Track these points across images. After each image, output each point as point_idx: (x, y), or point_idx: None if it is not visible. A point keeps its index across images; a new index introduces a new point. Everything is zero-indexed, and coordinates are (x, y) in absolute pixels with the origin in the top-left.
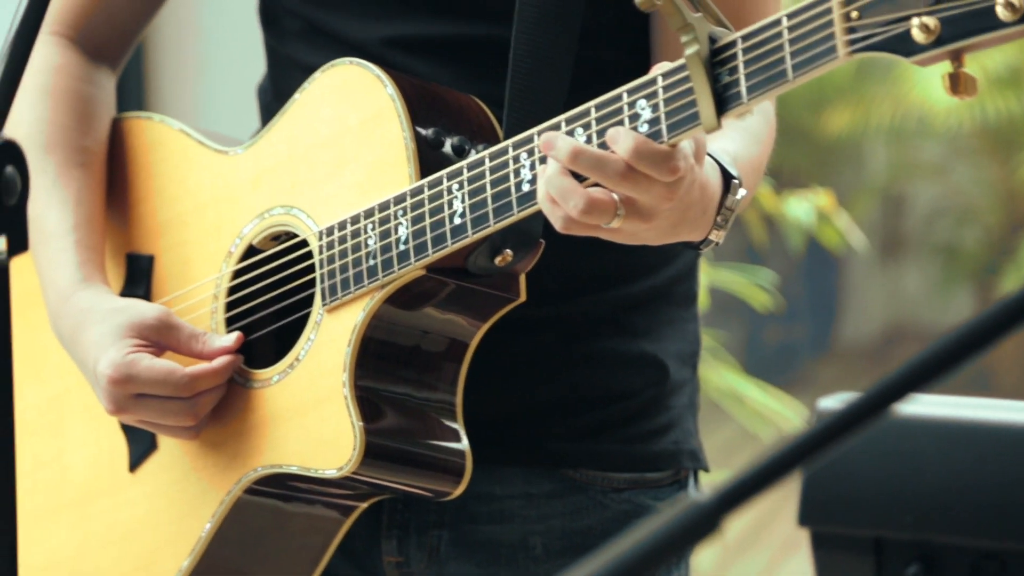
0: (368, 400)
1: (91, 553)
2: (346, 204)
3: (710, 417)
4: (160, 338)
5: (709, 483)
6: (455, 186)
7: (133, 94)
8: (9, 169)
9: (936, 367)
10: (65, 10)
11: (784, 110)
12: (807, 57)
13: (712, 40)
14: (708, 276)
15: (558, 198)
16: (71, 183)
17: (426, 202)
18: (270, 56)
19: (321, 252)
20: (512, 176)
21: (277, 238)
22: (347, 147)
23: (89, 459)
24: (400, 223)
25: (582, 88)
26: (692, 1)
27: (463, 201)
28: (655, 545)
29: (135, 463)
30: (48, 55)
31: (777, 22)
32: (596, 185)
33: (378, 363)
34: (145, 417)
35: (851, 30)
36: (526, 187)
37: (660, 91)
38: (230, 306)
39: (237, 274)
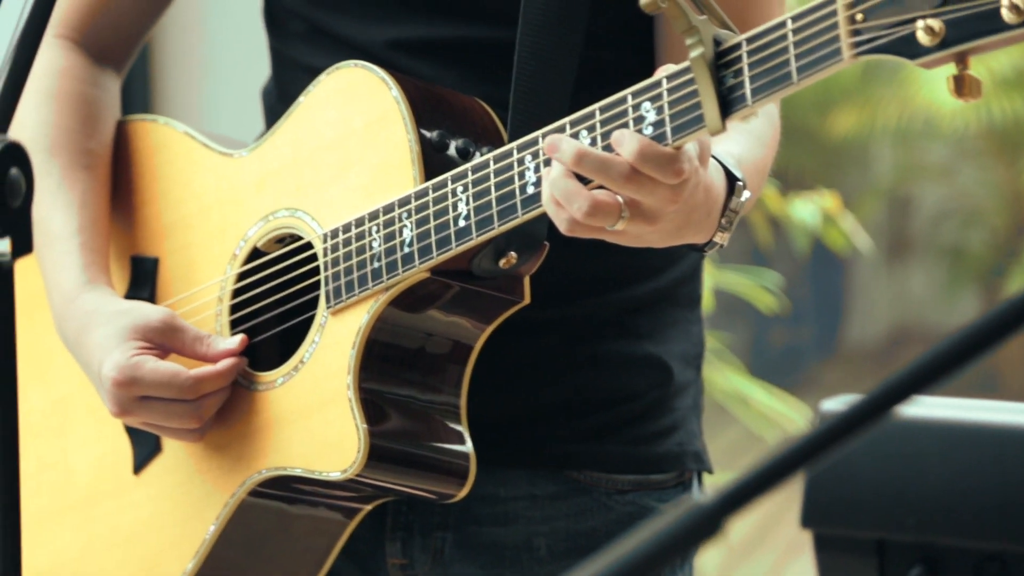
0: (372, 402)
1: (95, 555)
2: (351, 207)
3: (715, 419)
4: (164, 340)
5: (712, 485)
6: (460, 188)
7: (138, 96)
8: (14, 171)
9: (939, 369)
10: (70, 13)
11: (790, 111)
12: (812, 59)
13: (717, 43)
14: (713, 278)
15: (562, 200)
16: (76, 185)
17: (431, 204)
18: (274, 59)
19: (326, 255)
20: (517, 178)
21: (281, 240)
22: (352, 149)
23: (93, 461)
24: (405, 226)
25: (586, 90)
26: (697, 4)
27: (468, 203)
28: (658, 547)
29: (139, 465)
30: (53, 58)
31: (782, 24)
32: (601, 187)
33: (382, 365)
34: (149, 419)
35: (856, 32)
36: (531, 189)
37: (664, 93)
38: (234, 308)
39: (241, 277)
